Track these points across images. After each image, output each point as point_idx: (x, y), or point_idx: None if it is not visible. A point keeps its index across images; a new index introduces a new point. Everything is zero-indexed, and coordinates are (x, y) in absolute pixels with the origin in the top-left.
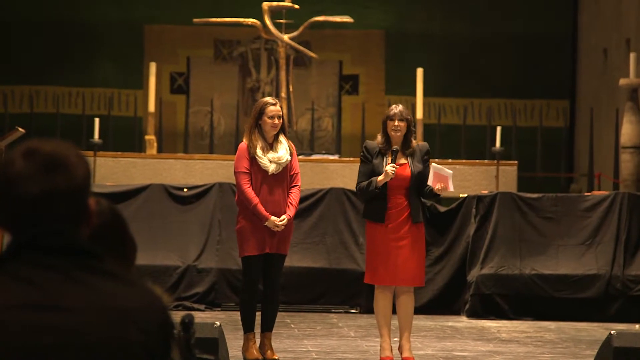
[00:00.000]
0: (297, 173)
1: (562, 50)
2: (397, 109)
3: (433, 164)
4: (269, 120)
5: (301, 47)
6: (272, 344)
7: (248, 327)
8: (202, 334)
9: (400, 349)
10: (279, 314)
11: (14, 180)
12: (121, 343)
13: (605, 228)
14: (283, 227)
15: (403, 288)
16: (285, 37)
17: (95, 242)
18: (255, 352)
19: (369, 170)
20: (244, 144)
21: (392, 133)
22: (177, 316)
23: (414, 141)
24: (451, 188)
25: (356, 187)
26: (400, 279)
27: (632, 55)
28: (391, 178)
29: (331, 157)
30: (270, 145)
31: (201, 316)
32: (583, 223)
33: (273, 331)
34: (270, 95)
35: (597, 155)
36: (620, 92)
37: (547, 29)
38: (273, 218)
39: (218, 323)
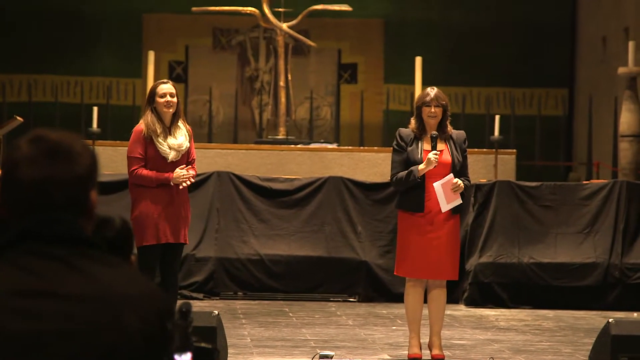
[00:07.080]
0: (194, 159)
1: (561, 38)
2: (432, 93)
3: (435, 184)
4: (161, 100)
5: (300, 36)
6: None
7: None
8: (200, 322)
9: (430, 345)
10: (276, 302)
11: (18, 163)
12: (120, 331)
13: (604, 216)
14: (191, 176)
15: (436, 282)
16: (284, 25)
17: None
18: None
19: (403, 159)
20: (139, 127)
21: (428, 120)
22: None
23: (449, 126)
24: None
25: (391, 178)
26: (436, 273)
27: (630, 44)
28: (434, 166)
29: (330, 146)
30: (169, 130)
31: (200, 305)
32: (581, 211)
33: (271, 320)
34: (268, 84)
35: (596, 143)
36: (619, 80)
37: (546, 18)
38: (176, 171)
39: (216, 312)
